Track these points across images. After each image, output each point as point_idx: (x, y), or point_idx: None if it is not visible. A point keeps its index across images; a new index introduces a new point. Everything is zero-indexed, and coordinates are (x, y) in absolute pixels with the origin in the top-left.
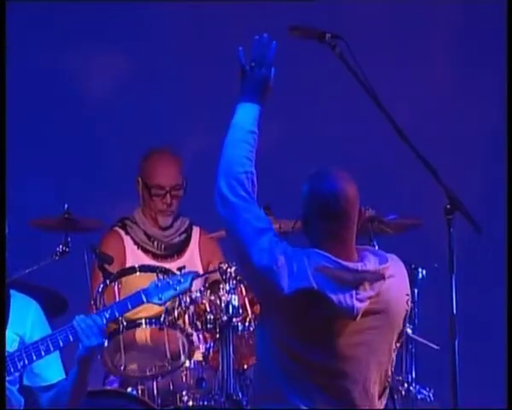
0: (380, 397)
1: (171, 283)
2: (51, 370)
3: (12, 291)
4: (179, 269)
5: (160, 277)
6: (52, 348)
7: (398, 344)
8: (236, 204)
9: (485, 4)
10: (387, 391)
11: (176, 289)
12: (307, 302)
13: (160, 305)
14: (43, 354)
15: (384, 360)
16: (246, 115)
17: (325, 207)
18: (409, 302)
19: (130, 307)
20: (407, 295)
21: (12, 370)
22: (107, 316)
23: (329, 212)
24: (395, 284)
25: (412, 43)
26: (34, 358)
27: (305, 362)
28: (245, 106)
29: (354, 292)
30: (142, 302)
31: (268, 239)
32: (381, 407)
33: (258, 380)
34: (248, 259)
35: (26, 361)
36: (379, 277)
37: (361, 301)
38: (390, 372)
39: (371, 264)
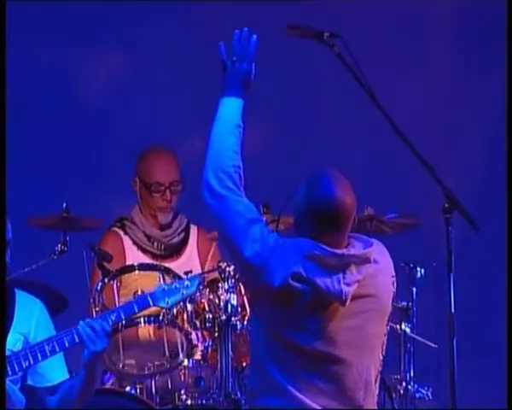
0: (374, 382)
1: (177, 287)
2: (56, 371)
3: (16, 290)
4: (186, 273)
5: (162, 276)
6: (58, 349)
7: (387, 327)
8: (225, 196)
9: (485, 4)
10: (379, 376)
11: (182, 294)
12: (297, 289)
13: (166, 308)
14: (48, 354)
15: (376, 342)
16: (230, 109)
17: (322, 216)
18: (394, 284)
19: (136, 310)
20: (392, 277)
21: (17, 369)
22: (113, 318)
23: (327, 222)
24: (381, 267)
25: (410, 42)
26: (40, 358)
27: (298, 350)
28: (228, 100)
29: (341, 276)
30: (149, 306)
31: (259, 229)
32: (376, 392)
33: (253, 372)
34: (240, 249)
35: (32, 361)
36: (365, 260)
37: (348, 285)
38: (382, 356)
39: (356, 248)
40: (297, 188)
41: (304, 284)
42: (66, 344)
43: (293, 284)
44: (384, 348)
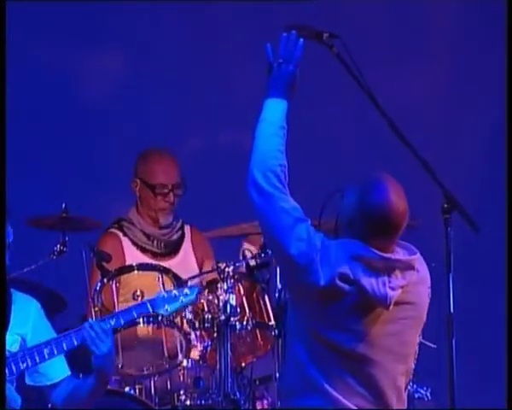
0: (404, 389)
1: (177, 295)
2: (57, 369)
3: (13, 290)
4: (185, 282)
5: (161, 276)
6: (56, 352)
7: (420, 338)
8: (273, 194)
9: (485, 4)
10: (409, 385)
11: (182, 302)
12: (343, 290)
13: (165, 316)
14: (46, 357)
15: (411, 351)
16: (275, 110)
17: (376, 222)
18: (429, 296)
19: (135, 316)
20: (428, 288)
21: (14, 370)
22: (113, 323)
23: (380, 228)
24: (422, 276)
25: (410, 43)
26: (37, 360)
27: (338, 350)
28: (274, 101)
29: (387, 280)
30: (148, 312)
31: (305, 228)
32: (405, 399)
33: (290, 371)
34: (286, 247)
35: (30, 363)
36: (409, 267)
37: (393, 289)
38: (413, 365)
39: (400, 254)
40: (336, 191)
41: (350, 285)
42: (65, 347)
43: (340, 284)
44: (416, 357)
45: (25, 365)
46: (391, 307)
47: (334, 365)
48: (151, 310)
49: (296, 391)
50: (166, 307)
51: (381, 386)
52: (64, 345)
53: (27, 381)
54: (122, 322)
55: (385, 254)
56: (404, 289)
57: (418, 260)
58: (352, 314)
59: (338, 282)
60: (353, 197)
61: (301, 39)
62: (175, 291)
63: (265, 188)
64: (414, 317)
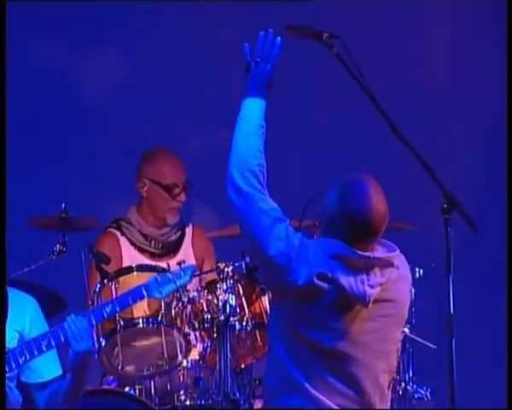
0: (388, 388)
1: (171, 277)
2: (48, 367)
3: (10, 289)
4: (179, 263)
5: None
6: (54, 343)
7: (402, 335)
8: (251, 194)
9: (485, 4)
10: (392, 383)
11: (176, 284)
12: (322, 289)
13: (160, 299)
14: (44, 349)
15: (393, 348)
16: (254, 110)
17: (356, 226)
18: (411, 292)
19: (131, 301)
20: (410, 285)
21: (14, 366)
22: (108, 311)
23: (360, 231)
24: (402, 274)
25: (409, 43)
26: (36, 353)
27: (318, 349)
28: (252, 101)
29: (366, 278)
30: (143, 297)
31: (284, 228)
32: (389, 398)
33: (271, 371)
34: (265, 247)
35: (28, 356)
36: (388, 264)
37: (372, 287)
38: (396, 362)
39: (380, 252)
40: (323, 191)
41: (329, 283)
42: (62, 339)
43: (318, 283)
44: (399, 354)
45: (23, 358)
46: (370, 304)
47: (314, 364)
48: (145, 294)
49: (278, 391)
50: (161, 289)
51: (362, 384)
52: (61, 336)
53: (21, 377)
54: (118, 309)
55: (364, 253)
56: (383, 287)
57: (398, 257)
58: (331, 313)
59: (316, 281)
60: (334, 198)
61: (279, 38)
62: (169, 274)
63: (244, 188)
64: (394, 314)
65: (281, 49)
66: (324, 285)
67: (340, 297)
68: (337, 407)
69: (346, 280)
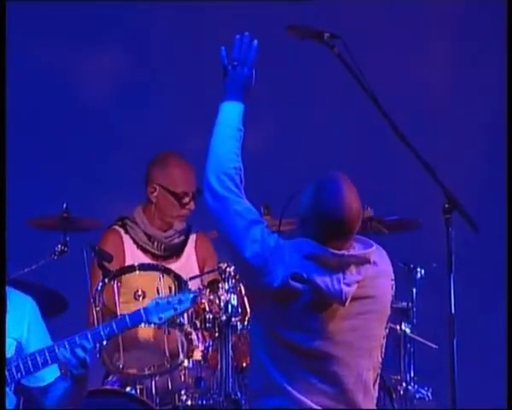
0: (373, 384)
1: (170, 302)
2: (49, 370)
3: (8, 288)
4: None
5: (162, 276)
6: (50, 362)
7: (386, 330)
8: (227, 197)
9: (485, 4)
10: (378, 379)
11: (175, 309)
12: (297, 289)
13: (159, 325)
14: (41, 366)
15: (375, 345)
16: (232, 113)
17: (329, 225)
18: (393, 287)
19: (129, 324)
20: (392, 280)
21: (9, 381)
22: (106, 332)
23: (334, 230)
24: (381, 269)
25: (410, 42)
26: (32, 370)
27: (297, 349)
28: (229, 104)
29: (341, 276)
30: (142, 320)
31: (260, 230)
32: (376, 395)
33: (253, 373)
34: (240, 250)
35: (24, 373)
36: (364, 260)
37: (348, 285)
38: (381, 358)
39: (356, 249)
40: (299, 189)
41: (304, 283)
42: (60, 356)
43: (293, 283)
44: (383, 350)
45: (19, 375)
46: (347, 303)
47: (294, 364)
48: (144, 318)
49: (259, 393)
50: (160, 315)
51: (345, 382)
52: (59, 356)
53: (22, 382)
54: (116, 330)
55: (337, 252)
56: (360, 284)
57: (375, 252)
58: (309, 313)
59: (291, 282)
60: (307, 197)
61: (255, 41)
62: (169, 299)
63: (219, 192)
64: (374, 310)
65: (257, 52)
66: (299, 286)
67: (316, 297)
68: (319, 408)
69: (322, 280)
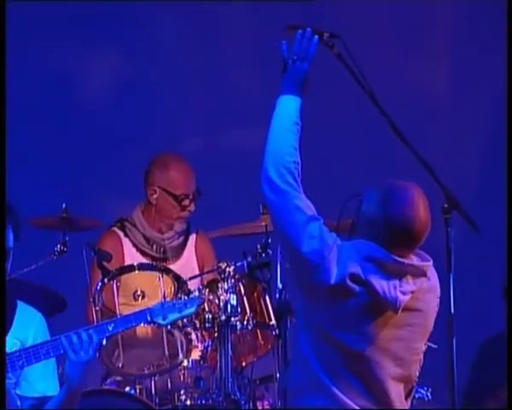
0: (406, 398)
1: (176, 305)
2: (43, 381)
3: (19, 301)
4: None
5: (161, 276)
6: (52, 354)
7: (425, 346)
8: (287, 191)
9: (485, 4)
10: (413, 392)
11: (181, 313)
12: (353, 290)
13: (163, 326)
14: (42, 357)
15: (416, 359)
16: (290, 107)
17: (398, 234)
18: (438, 305)
19: (134, 324)
20: (438, 297)
21: (10, 370)
22: (110, 329)
23: (401, 239)
24: (432, 285)
25: (410, 42)
26: (33, 360)
27: (344, 351)
28: (288, 98)
29: (398, 283)
30: (146, 321)
31: (318, 226)
32: (408, 407)
33: (297, 369)
34: (298, 245)
35: (25, 362)
36: (421, 273)
37: (404, 293)
38: (417, 373)
39: (413, 260)
40: (357, 192)
41: (361, 285)
42: (62, 350)
43: (350, 284)
44: (421, 365)
45: (20, 362)
46: (400, 311)
47: (339, 365)
48: (149, 318)
49: (301, 388)
50: (165, 316)
51: (385, 389)
52: (61, 348)
53: (16, 390)
54: (120, 329)
55: (400, 259)
56: (413, 296)
57: (430, 267)
58: (361, 316)
59: (348, 281)
60: (374, 205)
61: (316, 37)
62: (174, 302)
63: (279, 185)
64: (421, 324)
65: (317, 48)
66: (356, 287)
67: (371, 300)
68: (359, 409)
69: (379, 283)
